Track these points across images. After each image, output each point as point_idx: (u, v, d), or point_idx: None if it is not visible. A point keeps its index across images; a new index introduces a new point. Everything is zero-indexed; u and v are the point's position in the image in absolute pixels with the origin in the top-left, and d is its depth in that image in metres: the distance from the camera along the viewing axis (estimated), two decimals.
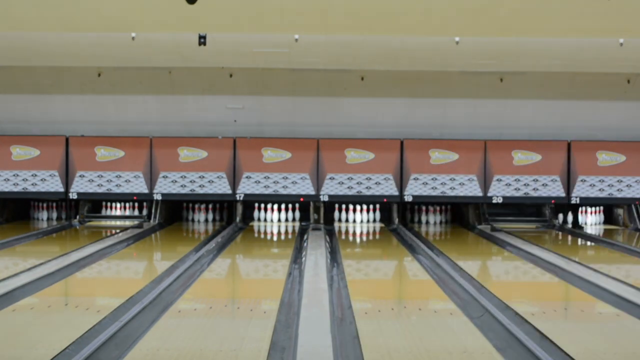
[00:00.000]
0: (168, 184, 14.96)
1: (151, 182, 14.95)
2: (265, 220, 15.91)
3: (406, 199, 15.05)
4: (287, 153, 15.01)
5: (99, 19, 11.26)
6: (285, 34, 12.48)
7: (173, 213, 16.02)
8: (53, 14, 11.12)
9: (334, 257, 10.92)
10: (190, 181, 14.96)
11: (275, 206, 15.87)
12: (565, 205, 15.80)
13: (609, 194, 15.11)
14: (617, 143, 15.17)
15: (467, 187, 14.99)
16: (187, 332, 6.25)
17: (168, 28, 11.97)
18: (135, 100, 15.21)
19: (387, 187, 15.01)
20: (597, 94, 15.04)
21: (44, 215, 15.96)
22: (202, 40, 12.41)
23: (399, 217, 15.61)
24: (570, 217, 15.89)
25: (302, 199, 15.16)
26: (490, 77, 14.74)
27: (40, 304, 7.49)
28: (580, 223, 15.78)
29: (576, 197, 15.06)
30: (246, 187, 14.97)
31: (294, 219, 15.89)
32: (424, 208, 16.12)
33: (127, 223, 15.20)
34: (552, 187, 15.02)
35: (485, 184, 15.01)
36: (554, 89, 14.97)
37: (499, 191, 15.02)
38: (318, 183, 15.01)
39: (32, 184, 14.84)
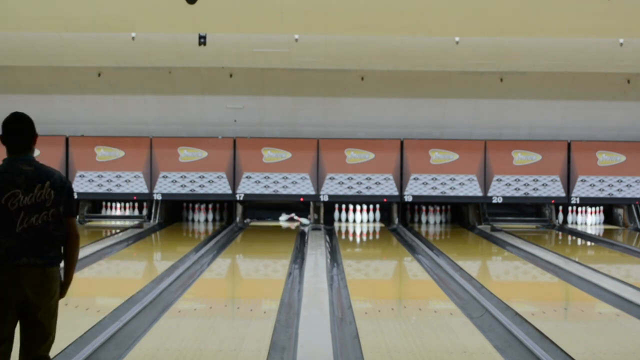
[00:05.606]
0: (168, 184, 14.96)
1: (151, 182, 14.95)
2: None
3: (406, 199, 15.05)
4: (287, 153, 15.01)
5: (99, 19, 11.26)
6: (285, 34, 12.48)
7: (173, 213, 16.01)
8: (53, 14, 11.13)
9: (334, 257, 10.92)
10: (190, 181, 14.96)
11: None
12: (565, 205, 15.80)
13: (609, 194, 15.11)
14: (617, 143, 15.17)
15: (467, 187, 14.99)
16: (186, 332, 6.25)
17: (168, 28, 11.98)
18: (135, 100, 15.20)
19: (387, 187, 15.01)
20: (597, 94, 15.04)
21: None
22: (202, 40, 12.42)
23: (399, 217, 15.59)
24: (570, 217, 15.88)
25: (302, 199, 15.17)
26: (490, 77, 14.74)
27: None
28: (580, 223, 15.78)
29: (576, 197, 15.07)
30: (246, 187, 14.97)
31: None
32: (424, 208, 16.10)
33: (127, 223, 15.18)
34: (552, 187, 15.02)
35: (485, 184, 15.01)
36: (554, 89, 14.97)
37: (499, 191, 15.02)
38: (318, 183, 15.01)
39: None
